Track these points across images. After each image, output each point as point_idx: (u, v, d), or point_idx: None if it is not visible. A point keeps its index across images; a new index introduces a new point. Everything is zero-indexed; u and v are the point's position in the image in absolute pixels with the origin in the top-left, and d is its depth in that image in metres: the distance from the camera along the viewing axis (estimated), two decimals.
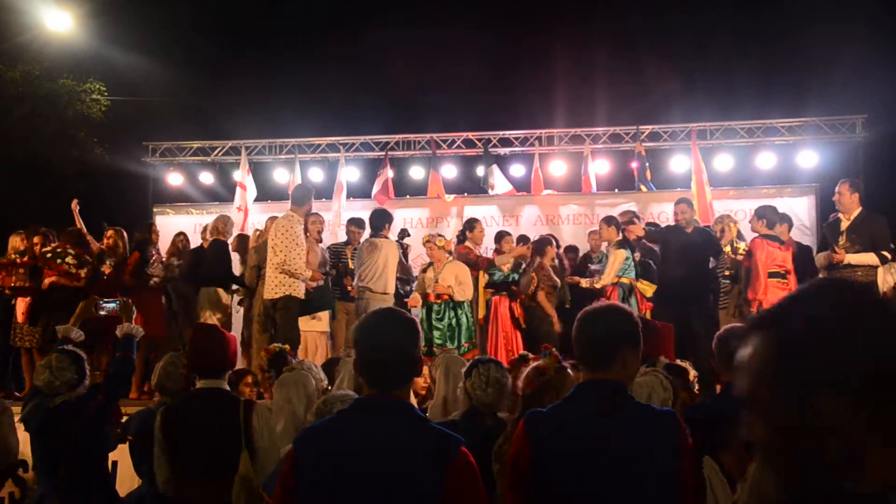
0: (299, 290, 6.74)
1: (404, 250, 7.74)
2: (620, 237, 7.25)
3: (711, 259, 7.46)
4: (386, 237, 7.31)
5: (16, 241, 7.24)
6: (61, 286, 6.85)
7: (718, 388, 3.91)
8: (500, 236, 8.17)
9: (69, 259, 6.80)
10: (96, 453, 3.81)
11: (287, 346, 4.81)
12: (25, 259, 7.08)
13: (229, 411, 3.24)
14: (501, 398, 3.13)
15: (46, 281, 6.80)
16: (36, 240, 7.19)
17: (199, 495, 3.14)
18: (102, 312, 5.07)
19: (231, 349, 3.50)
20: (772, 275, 6.67)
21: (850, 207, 6.47)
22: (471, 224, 8.21)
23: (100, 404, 3.79)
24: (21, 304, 7.05)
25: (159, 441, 3.24)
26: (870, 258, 6.27)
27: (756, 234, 6.94)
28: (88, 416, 3.72)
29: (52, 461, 3.72)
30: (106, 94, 14.26)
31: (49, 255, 6.81)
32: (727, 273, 6.94)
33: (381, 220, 7.41)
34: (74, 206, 7.83)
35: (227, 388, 3.43)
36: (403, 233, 8.28)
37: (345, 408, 2.10)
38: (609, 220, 7.42)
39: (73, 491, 3.66)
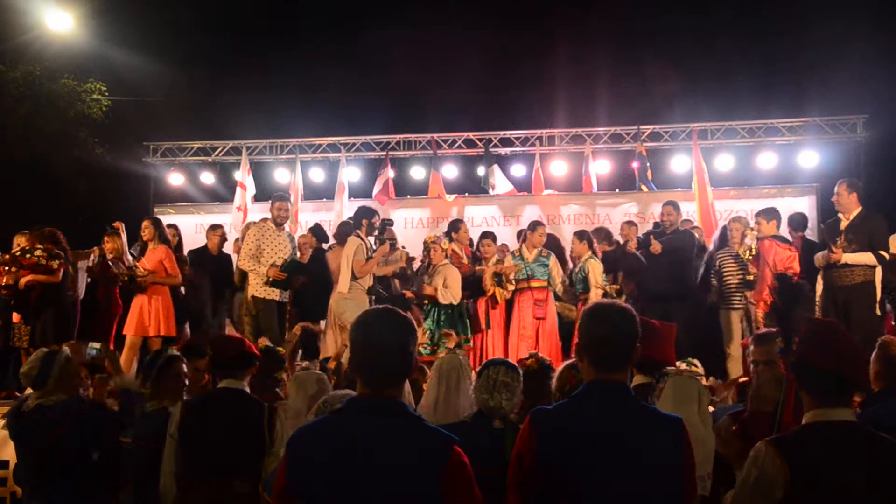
0: (269, 292, 7.03)
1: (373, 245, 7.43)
2: (590, 252, 7.52)
3: (719, 260, 7.49)
4: (358, 234, 7.01)
5: (21, 242, 7.27)
6: (39, 284, 6.86)
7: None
8: (482, 237, 7.91)
9: (38, 252, 6.84)
10: (79, 458, 3.61)
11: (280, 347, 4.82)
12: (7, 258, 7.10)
13: (250, 413, 3.24)
14: (511, 401, 3.08)
15: (23, 280, 6.81)
16: (21, 241, 7.20)
17: (205, 495, 3.12)
18: (88, 357, 4.96)
19: (253, 351, 3.52)
20: (776, 277, 6.69)
21: (849, 207, 6.40)
22: (455, 225, 8.04)
23: (81, 415, 3.62)
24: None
25: (176, 439, 3.23)
26: (867, 258, 6.20)
27: (766, 236, 6.94)
28: (69, 422, 3.57)
29: (33, 465, 3.61)
30: (106, 94, 14.26)
31: (18, 253, 6.85)
32: (749, 278, 6.94)
33: (358, 217, 7.19)
34: (120, 227, 7.90)
35: (247, 389, 3.43)
36: (385, 222, 7.54)
37: (338, 407, 2.09)
38: (581, 236, 7.60)
39: (55, 495, 3.55)
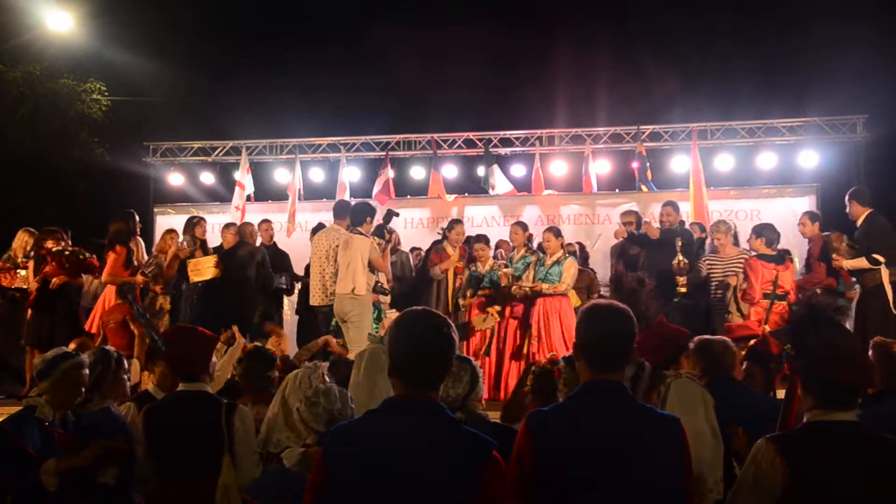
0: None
1: (387, 243, 7.10)
2: (564, 251, 7.34)
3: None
4: (360, 233, 6.70)
5: (29, 240, 7.28)
6: (62, 284, 6.86)
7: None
8: (476, 240, 7.74)
9: (89, 254, 6.90)
10: None
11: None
12: (22, 262, 7.07)
13: (208, 413, 3.23)
14: (457, 389, 3.11)
15: (55, 281, 6.80)
16: (28, 239, 7.20)
17: (178, 496, 3.13)
18: None
19: (210, 350, 3.46)
20: (765, 296, 6.58)
21: (858, 216, 6.69)
22: (450, 225, 7.99)
23: None
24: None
25: (141, 442, 3.25)
26: (861, 262, 6.45)
27: (754, 253, 6.88)
28: None
29: None
30: (106, 94, 14.28)
31: (69, 254, 6.81)
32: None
33: (360, 214, 6.82)
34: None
35: (209, 389, 3.40)
36: (391, 212, 7.44)
37: (375, 408, 2.08)
38: (557, 233, 7.36)
39: None
